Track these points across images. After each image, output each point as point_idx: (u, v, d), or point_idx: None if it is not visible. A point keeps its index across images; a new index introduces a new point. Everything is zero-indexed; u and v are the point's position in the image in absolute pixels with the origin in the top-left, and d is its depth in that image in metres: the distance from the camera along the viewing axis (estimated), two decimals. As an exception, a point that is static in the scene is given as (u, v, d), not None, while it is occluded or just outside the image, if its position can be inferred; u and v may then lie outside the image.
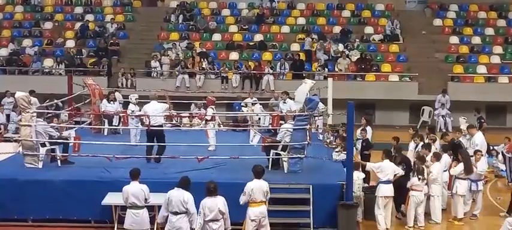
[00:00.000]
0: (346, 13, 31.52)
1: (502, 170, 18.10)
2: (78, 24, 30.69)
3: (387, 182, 13.33)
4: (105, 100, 19.23)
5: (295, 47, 29.23)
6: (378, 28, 30.32)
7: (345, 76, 27.33)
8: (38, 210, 13.38)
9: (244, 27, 30.67)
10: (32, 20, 31.69)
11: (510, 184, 16.73)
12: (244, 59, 28.23)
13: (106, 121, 18.64)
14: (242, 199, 11.68)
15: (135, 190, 11.69)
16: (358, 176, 13.91)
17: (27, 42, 29.80)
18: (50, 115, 16.40)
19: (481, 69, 27.91)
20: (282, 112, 17.05)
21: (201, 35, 30.24)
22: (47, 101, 19.70)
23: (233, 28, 30.77)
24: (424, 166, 13.55)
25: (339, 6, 31.98)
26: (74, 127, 16.90)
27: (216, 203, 10.97)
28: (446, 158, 14.63)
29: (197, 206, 11.01)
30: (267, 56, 28.78)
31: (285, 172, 14.17)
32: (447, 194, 14.91)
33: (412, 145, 15.94)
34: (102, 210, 12.99)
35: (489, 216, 14.67)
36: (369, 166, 14.09)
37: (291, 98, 18.49)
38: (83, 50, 29.13)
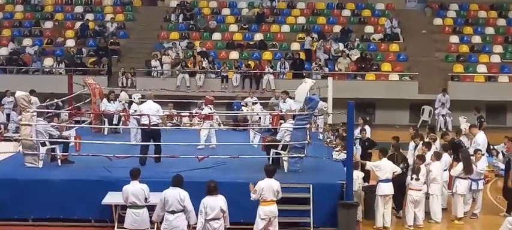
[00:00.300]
0: (346, 12, 31.53)
1: (502, 169, 18.05)
2: (78, 24, 30.71)
3: (386, 180, 13.38)
4: (105, 100, 19.24)
5: (295, 46, 29.24)
6: (378, 27, 30.32)
7: (345, 76, 27.33)
8: (38, 210, 13.37)
9: (244, 26, 30.68)
10: (32, 19, 31.71)
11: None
12: (245, 58, 28.24)
13: (106, 120, 18.64)
14: (252, 197, 11.73)
15: (135, 189, 11.68)
16: (357, 175, 13.94)
17: (27, 41, 29.81)
18: (50, 114, 16.39)
19: (481, 69, 27.92)
20: (282, 112, 17.05)
21: (201, 34, 30.24)
22: (47, 100, 19.69)
23: (233, 27, 30.78)
24: (421, 166, 13.56)
25: (339, 6, 32.01)
26: (74, 127, 16.89)
27: (217, 202, 10.98)
28: (446, 157, 14.64)
29: (197, 206, 11.01)
30: (267, 55, 28.78)
31: (285, 171, 14.18)
32: (447, 193, 14.93)
33: (412, 145, 15.95)
34: (103, 210, 12.98)
35: (489, 215, 14.67)
36: (369, 165, 14.13)
37: (291, 97, 18.50)
38: (83, 49, 29.15)
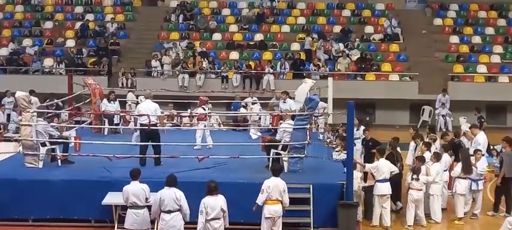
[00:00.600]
0: (346, 12, 31.53)
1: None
2: (78, 24, 30.71)
3: (384, 180, 13.44)
4: (105, 100, 19.24)
5: (295, 46, 29.24)
6: (378, 27, 30.32)
7: (345, 76, 27.33)
8: (38, 210, 13.37)
9: (244, 26, 30.68)
10: (32, 19, 31.72)
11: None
12: (245, 59, 28.23)
13: (106, 121, 18.64)
14: (260, 199, 11.73)
15: (136, 189, 11.68)
16: (356, 175, 13.94)
17: (27, 41, 29.82)
18: (50, 114, 16.38)
19: (481, 69, 27.92)
20: (281, 112, 17.04)
21: (201, 34, 30.25)
22: (47, 101, 19.69)
23: (233, 27, 30.78)
24: (421, 166, 13.56)
25: (339, 6, 32.01)
26: (74, 127, 16.90)
27: (218, 202, 10.99)
28: (446, 158, 14.65)
29: (198, 206, 11.01)
30: (267, 55, 28.79)
31: (285, 171, 14.14)
32: (447, 193, 14.92)
33: (412, 145, 15.95)
34: (103, 210, 12.98)
35: (489, 216, 14.66)
36: (367, 167, 14.11)
37: (291, 98, 18.50)
38: (83, 49, 29.15)
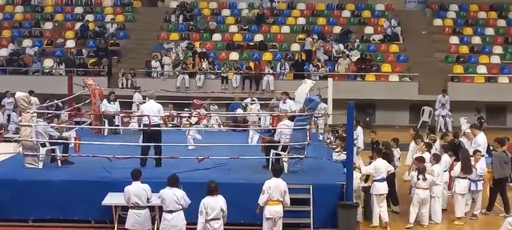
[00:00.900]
0: (346, 13, 31.54)
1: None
2: (78, 25, 30.71)
3: (381, 180, 13.50)
4: (105, 101, 19.24)
5: (295, 47, 29.24)
6: (378, 28, 30.33)
7: (345, 77, 27.34)
8: (38, 210, 13.37)
9: (244, 27, 30.69)
10: (32, 20, 31.71)
11: (510, 184, 16.69)
12: (245, 59, 28.23)
13: (106, 121, 18.64)
14: (261, 199, 11.74)
15: (137, 190, 11.70)
16: (356, 175, 13.94)
17: (27, 42, 29.81)
18: (50, 115, 16.38)
19: (481, 69, 27.92)
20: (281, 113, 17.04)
21: (201, 35, 30.25)
22: (47, 101, 19.68)
23: (233, 28, 30.78)
24: (425, 165, 13.58)
25: (339, 6, 32.01)
26: (74, 128, 16.90)
27: (218, 202, 11.00)
28: (446, 158, 14.65)
29: (198, 206, 11.01)
30: (267, 56, 28.79)
31: (285, 172, 14.13)
32: (447, 194, 14.92)
33: (412, 145, 15.96)
34: (103, 210, 12.97)
35: (489, 216, 14.66)
36: (365, 170, 14.08)
37: (291, 98, 18.50)
38: (83, 50, 29.13)
